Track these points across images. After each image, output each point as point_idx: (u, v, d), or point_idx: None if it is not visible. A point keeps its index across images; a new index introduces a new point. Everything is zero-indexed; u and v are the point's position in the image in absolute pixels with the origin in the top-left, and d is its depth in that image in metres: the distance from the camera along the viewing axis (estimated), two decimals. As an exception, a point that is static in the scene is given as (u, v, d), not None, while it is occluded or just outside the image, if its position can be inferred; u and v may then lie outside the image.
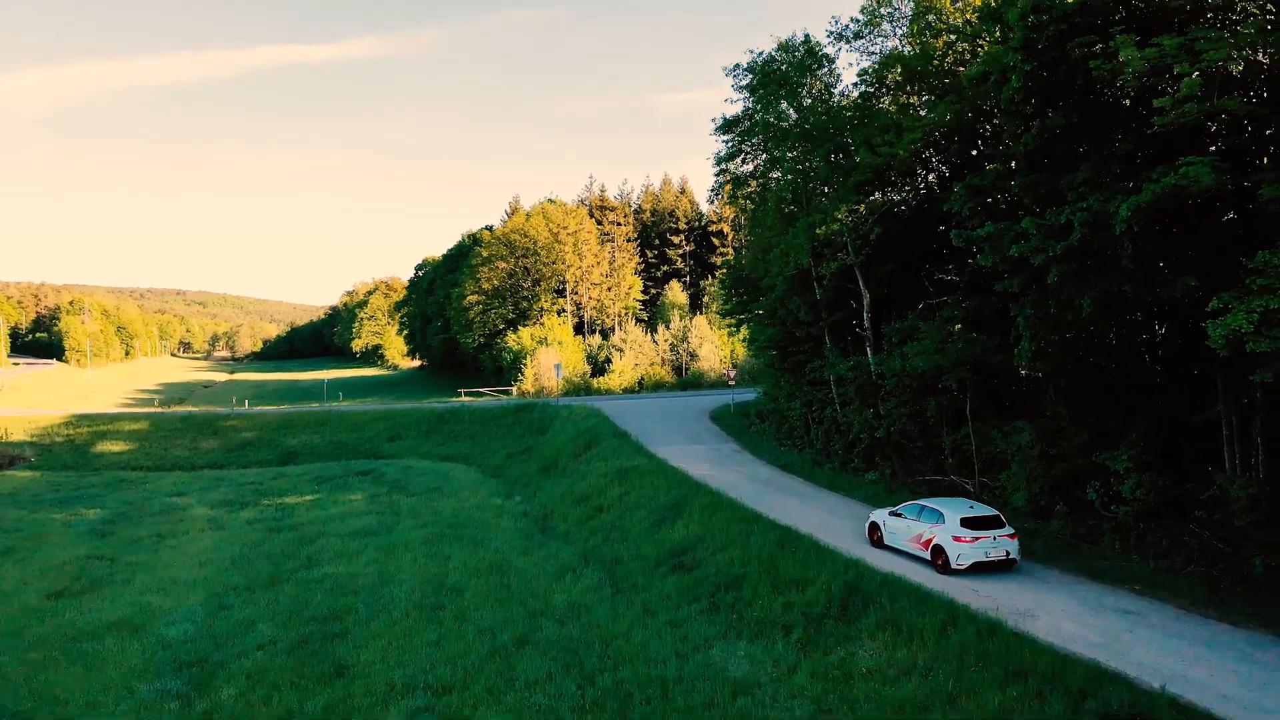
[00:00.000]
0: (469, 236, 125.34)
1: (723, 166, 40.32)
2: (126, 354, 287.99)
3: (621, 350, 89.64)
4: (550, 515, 37.53)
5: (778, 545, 25.17)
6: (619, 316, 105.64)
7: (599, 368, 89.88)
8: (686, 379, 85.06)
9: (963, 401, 29.75)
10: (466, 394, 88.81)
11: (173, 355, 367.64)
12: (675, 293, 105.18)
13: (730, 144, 38.96)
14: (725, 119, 38.34)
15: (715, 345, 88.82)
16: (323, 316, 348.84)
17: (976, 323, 29.55)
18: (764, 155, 38.70)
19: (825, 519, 28.58)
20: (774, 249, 37.49)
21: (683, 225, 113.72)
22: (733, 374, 55.86)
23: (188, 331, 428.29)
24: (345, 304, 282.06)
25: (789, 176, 36.38)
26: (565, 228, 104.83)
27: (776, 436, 44.34)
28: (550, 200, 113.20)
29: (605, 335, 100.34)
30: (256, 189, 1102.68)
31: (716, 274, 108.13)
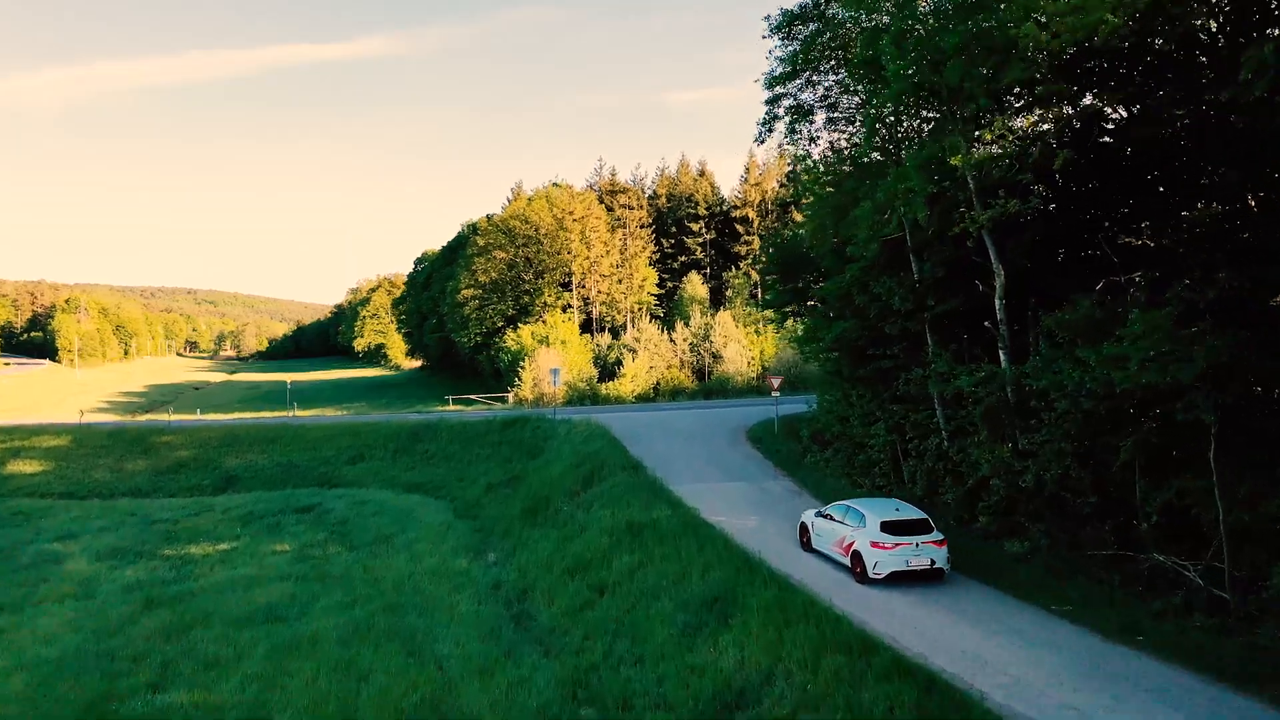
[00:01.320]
0: (468, 226, 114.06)
1: (775, 92, 28.48)
2: (126, 353, 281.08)
3: (634, 351, 78.19)
4: (531, 592, 26.03)
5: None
6: (631, 312, 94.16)
7: (608, 371, 78.45)
8: (709, 384, 73.46)
9: (1193, 438, 18.06)
10: (455, 401, 77.49)
11: (179, 355, 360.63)
12: (694, 286, 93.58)
13: (789, 55, 27.09)
14: (785, 12, 26.63)
15: (742, 345, 77.21)
16: (329, 315, 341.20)
17: (1228, 310, 17.75)
18: (842, 72, 26.72)
19: (985, 643, 17.04)
20: (857, 205, 25.67)
21: (702, 211, 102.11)
22: (777, 383, 44.09)
23: (194, 331, 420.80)
24: (350, 302, 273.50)
25: (889, 89, 23.60)
26: (571, 213, 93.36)
27: (846, 471, 32.73)
28: (555, 184, 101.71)
29: (616, 334, 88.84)
30: (268, 187, 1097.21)
31: (742, 264, 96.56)
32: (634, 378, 73.42)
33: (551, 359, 71.42)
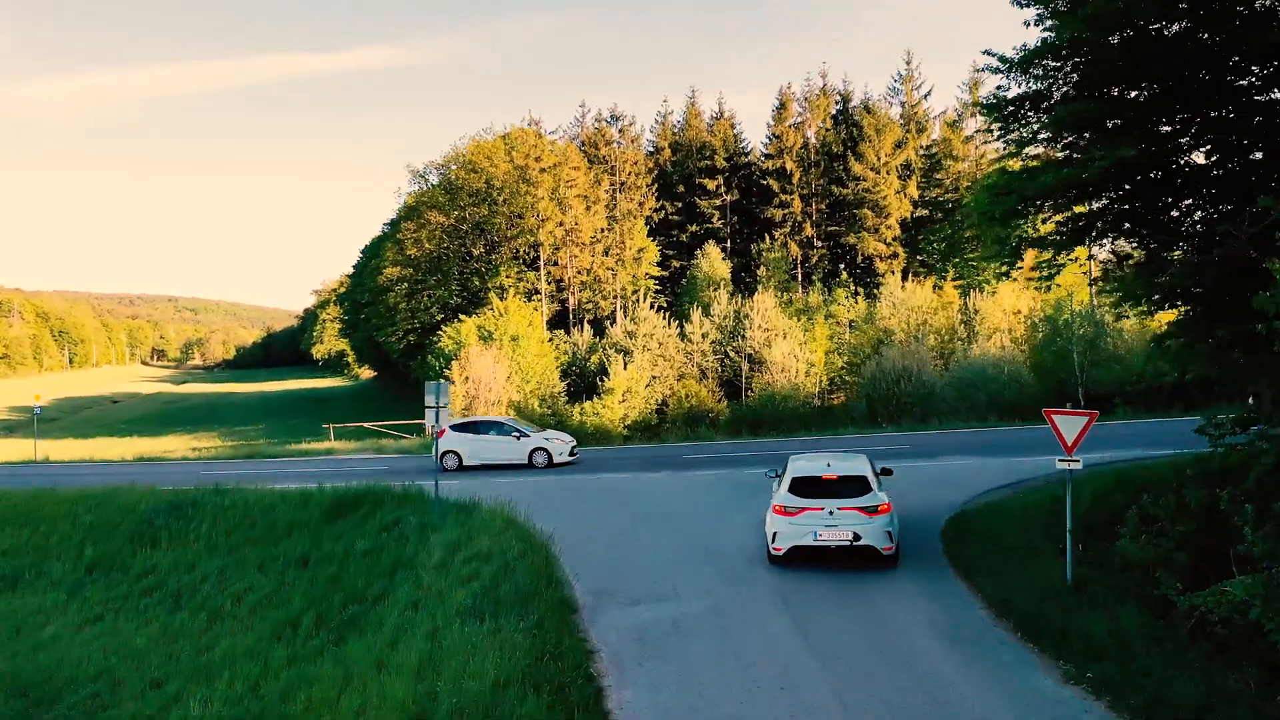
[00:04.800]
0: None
1: None
2: (71, 361, 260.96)
3: (628, 352, 50.44)
4: None
5: None
6: (623, 298, 66.26)
7: (587, 384, 50.66)
8: (751, 405, 45.63)
9: None
10: (338, 435, 49.58)
11: (143, 364, 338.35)
12: (712, 262, 65.76)
13: None
14: None
15: (796, 343, 49.32)
16: (298, 321, 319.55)
17: None
18: None
19: None
20: None
21: (721, 164, 74.34)
22: (1071, 426, 15.60)
23: (161, 338, 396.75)
24: (315, 306, 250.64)
25: None
26: (538, 160, 65.57)
27: None
28: (522, 127, 73.50)
29: (601, 330, 60.84)
30: (266, 188, 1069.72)
31: (778, 232, 68.51)
32: (629, 392, 45.67)
33: (486, 364, 43.54)
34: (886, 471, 17.78)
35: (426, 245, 67.73)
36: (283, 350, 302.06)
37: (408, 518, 20.43)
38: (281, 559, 20.44)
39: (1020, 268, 24.04)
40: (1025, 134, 15.77)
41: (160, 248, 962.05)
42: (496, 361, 45.40)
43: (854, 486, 15.41)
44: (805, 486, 15.46)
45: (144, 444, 67.03)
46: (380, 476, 25.91)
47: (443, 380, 20.70)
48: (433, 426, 20.64)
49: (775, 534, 15.44)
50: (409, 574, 17.09)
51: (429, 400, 20.62)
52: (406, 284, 69.59)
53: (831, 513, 15.02)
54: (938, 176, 72.00)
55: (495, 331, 51.63)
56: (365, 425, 48.98)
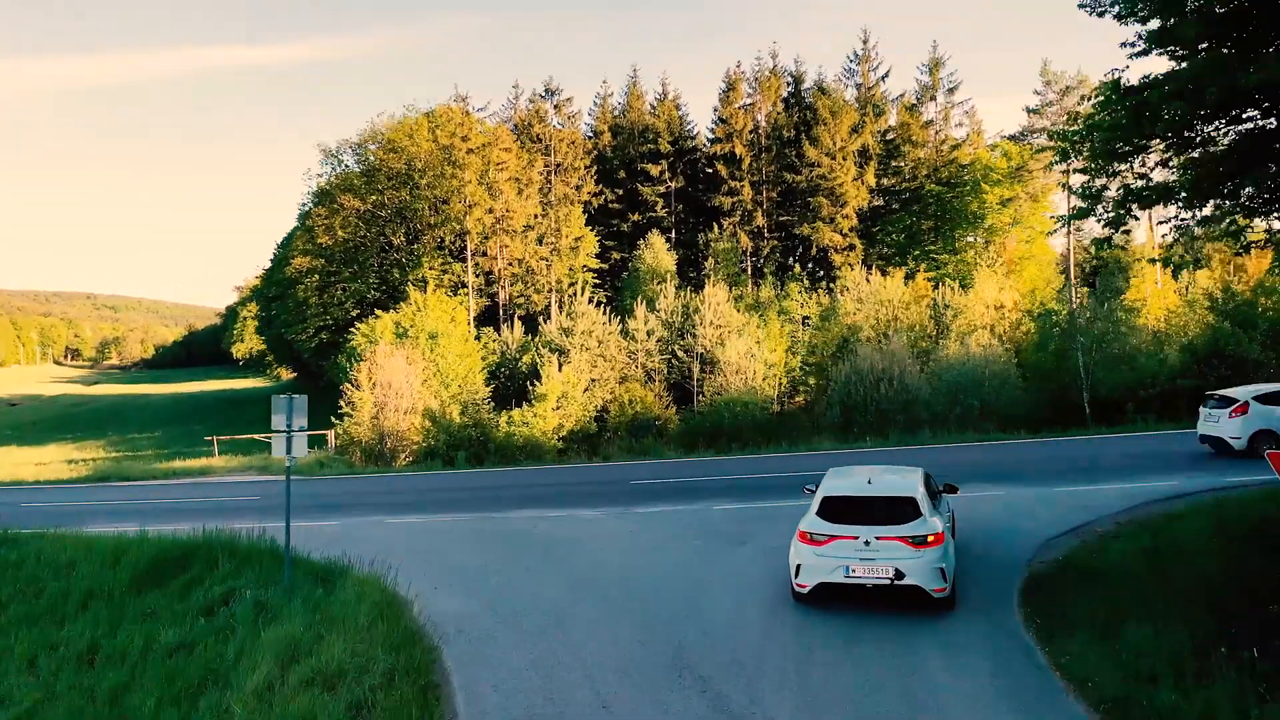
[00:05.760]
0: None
1: None
2: None
3: (564, 352, 44.54)
4: None
5: None
6: (560, 292, 60.26)
7: (518, 386, 44.68)
8: (705, 414, 40.01)
9: None
10: (230, 445, 43.03)
11: (56, 363, 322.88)
12: (657, 253, 60.12)
13: None
14: None
15: (753, 342, 43.87)
16: (220, 319, 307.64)
17: None
18: None
19: None
20: None
21: (665, 148, 68.71)
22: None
23: (76, 337, 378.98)
24: (238, 303, 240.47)
25: None
26: (465, 140, 59.21)
27: None
28: (448, 105, 66.76)
29: (534, 327, 54.66)
30: (185, 187, 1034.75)
31: (726, 221, 63.28)
32: (562, 399, 39.73)
33: (397, 366, 37.34)
34: (950, 488, 14.54)
35: (340, 233, 60.95)
36: (204, 349, 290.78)
37: (245, 590, 14.33)
38: (63, 650, 14.23)
39: (1065, 229, 18.68)
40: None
41: (78, 244, 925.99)
42: (410, 363, 39.15)
43: (899, 510, 12.44)
44: (837, 508, 12.64)
45: (18, 454, 59.50)
46: (242, 514, 19.76)
47: (294, 396, 14.57)
48: (286, 456, 14.52)
49: (799, 566, 12.68)
50: (217, 697, 11.06)
51: (277, 420, 14.52)
52: (318, 276, 62.71)
53: (868, 542, 12.14)
54: (895, 164, 67.42)
55: (412, 329, 45.37)
56: (256, 437, 42.27)
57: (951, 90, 66.22)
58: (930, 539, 12.07)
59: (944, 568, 12.08)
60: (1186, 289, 43.81)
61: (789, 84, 70.40)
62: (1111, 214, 11.82)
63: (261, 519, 19.02)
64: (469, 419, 37.13)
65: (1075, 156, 12.28)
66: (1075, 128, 12.29)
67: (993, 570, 13.76)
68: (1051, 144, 12.18)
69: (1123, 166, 11.47)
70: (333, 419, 40.34)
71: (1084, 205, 12.43)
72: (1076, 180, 12.83)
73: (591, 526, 18.11)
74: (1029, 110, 48.52)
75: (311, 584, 13.99)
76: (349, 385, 38.91)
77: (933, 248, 65.19)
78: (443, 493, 24.80)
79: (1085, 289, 37.35)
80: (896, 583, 12.00)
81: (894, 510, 12.40)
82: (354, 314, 60.02)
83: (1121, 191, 11.63)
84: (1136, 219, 12.13)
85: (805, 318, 53.98)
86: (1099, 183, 12.04)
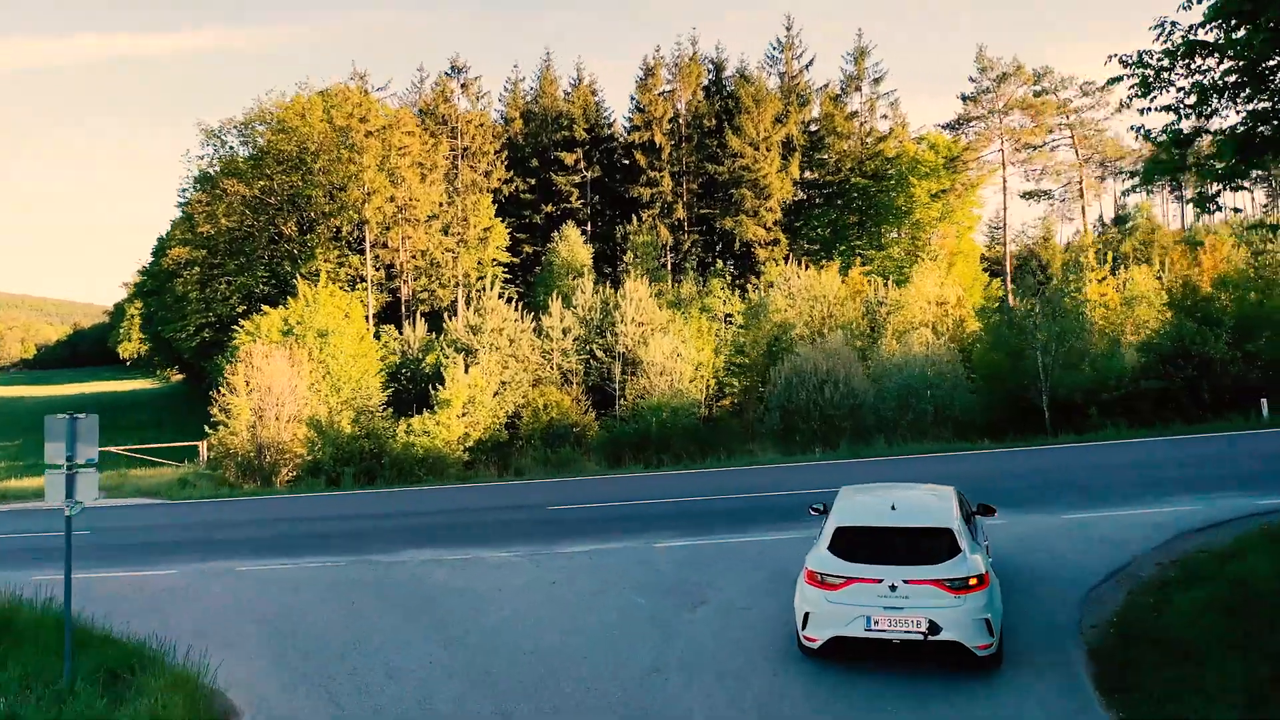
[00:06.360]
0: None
1: None
2: None
3: (471, 351, 40.44)
4: None
5: None
6: (467, 286, 55.89)
7: (420, 391, 40.38)
8: (629, 421, 36.43)
9: None
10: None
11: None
12: (572, 245, 56.42)
13: None
14: None
15: (679, 340, 40.41)
16: (107, 317, 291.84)
17: None
18: None
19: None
20: None
21: (581, 135, 64.87)
22: None
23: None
24: (125, 300, 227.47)
25: None
26: (364, 121, 54.43)
27: None
28: (345, 84, 61.49)
29: (438, 326, 50.16)
30: (72, 179, 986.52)
31: (645, 214, 59.91)
32: (468, 405, 35.60)
33: (279, 369, 32.77)
34: (986, 509, 11.83)
35: (224, 222, 55.39)
36: (91, 349, 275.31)
37: None
38: None
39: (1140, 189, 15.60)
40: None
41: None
42: (295, 364, 34.54)
43: (932, 544, 10.11)
44: (855, 542, 10.22)
45: None
46: (54, 558, 15.33)
47: (78, 417, 10.38)
48: (67, 502, 10.32)
49: (808, 615, 10.17)
50: None
51: (53, 451, 10.30)
52: (199, 268, 57.04)
53: (895, 586, 9.74)
54: (820, 156, 65.03)
55: (303, 322, 40.66)
56: (115, 450, 36.95)
57: (877, 80, 64.03)
58: (973, 582, 9.69)
59: (989, 618, 9.65)
60: (1124, 285, 42.00)
61: (710, 71, 67.38)
62: (1225, 163, 8.65)
63: (84, 566, 14.64)
64: (361, 428, 32.71)
65: (1162, 90, 8.99)
66: (1169, 46, 9.00)
67: (1034, 640, 10.45)
68: (1130, 71, 9.52)
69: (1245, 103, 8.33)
70: (206, 428, 35.53)
71: (1165, 158, 9.27)
72: (1156, 122, 9.79)
73: (500, 575, 14.27)
74: (964, 98, 46.42)
75: (101, 683, 9.85)
76: (223, 390, 34.12)
77: (858, 243, 63.00)
78: (320, 523, 20.60)
79: (1038, 282, 35.01)
80: (931, 638, 9.55)
81: (926, 545, 10.03)
82: (240, 310, 54.64)
83: (1240, 132, 8.48)
84: (1264, 171, 8.94)
85: (728, 315, 50.93)
86: (1187, 126, 8.90)
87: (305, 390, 34.24)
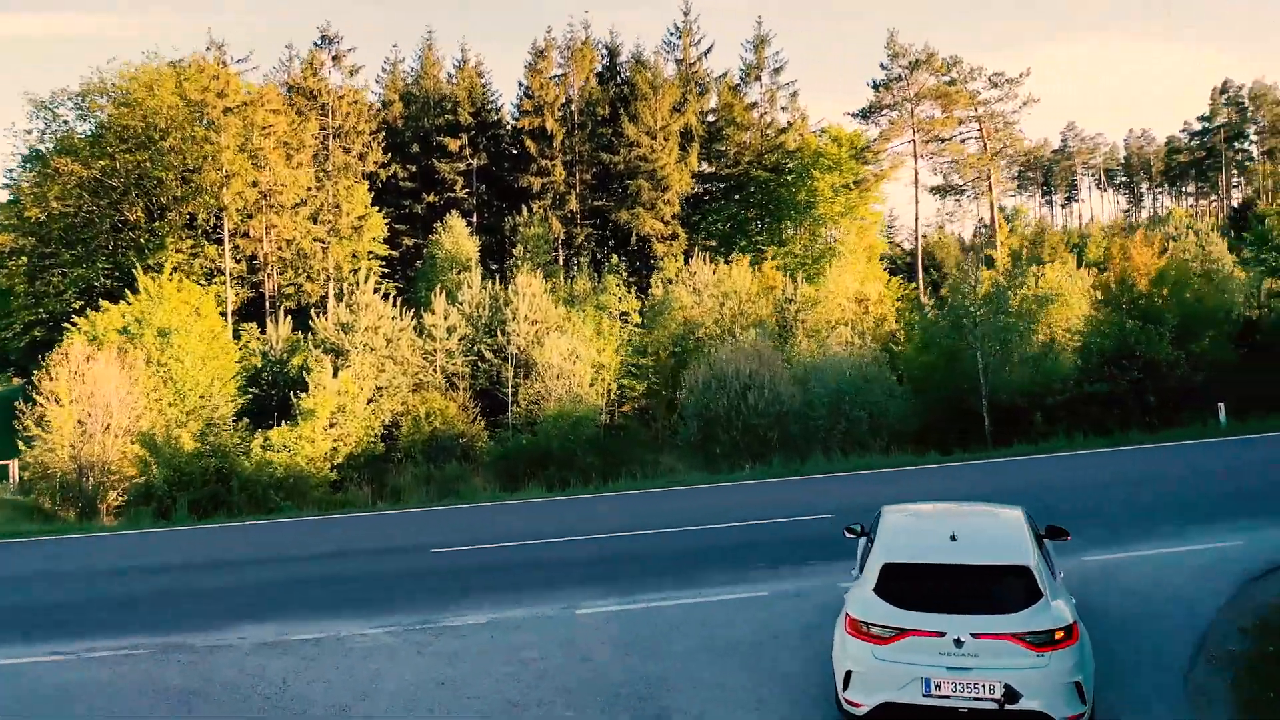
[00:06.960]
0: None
1: None
2: None
3: (343, 352, 35.76)
4: None
5: None
6: (339, 280, 50.70)
7: (284, 397, 35.39)
8: (523, 432, 32.48)
9: None
10: None
11: None
12: (457, 237, 52.00)
13: None
14: None
15: (577, 340, 36.61)
16: None
17: None
18: None
19: None
20: None
21: (466, 119, 60.31)
22: None
23: None
24: None
25: None
26: (222, 95, 48.74)
27: None
28: (200, 55, 55.19)
29: (305, 325, 44.97)
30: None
31: (536, 204, 55.91)
32: (337, 415, 30.96)
33: (109, 376, 27.60)
34: (1056, 532, 9.66)
35: (57, 206, 48.74)
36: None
37: None
38: None
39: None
40: None
41: None
42: (130, 370, 29.29)
43: (1006, 587, 7.85)
44: (908, 582, 7.96)
45: None
46: None
47: None
48: None
49: (849, 675, 7.91)
50: None
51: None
52: (27, 258, 50.18)
53: (960, 641, 7.54)
54: (719, 148, 62.33)
55: (142, 320, 35.17)
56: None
57: (778, 70, 61.68)
58: (1059, 636, 7.69)
59: (1080, 681, 7.73)
60: (1036, 281, 40.34)
61: (604, 56, 63.77)
62: None
63: None
64: (207, 445, 27.71)
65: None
66: None
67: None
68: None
69: None
70: (19, 443, 29.93)
71: None
72: None
73: (367, 668, 10.26)
74: (875, 85, 44.26)
75: None
76: (38, 399, 28.63)
77: (759, 238, 60.54)
78: (131, 578, 15.97)
79: (988, 272, 32.68)
80: (1008, 706, 7.59)
81: (998, 588, 7.98)
82: (77, 306, 48.12)
83: None
84: None
85: (624, 314, 47.52)
86: None
87: (141, 399, 29.03)
